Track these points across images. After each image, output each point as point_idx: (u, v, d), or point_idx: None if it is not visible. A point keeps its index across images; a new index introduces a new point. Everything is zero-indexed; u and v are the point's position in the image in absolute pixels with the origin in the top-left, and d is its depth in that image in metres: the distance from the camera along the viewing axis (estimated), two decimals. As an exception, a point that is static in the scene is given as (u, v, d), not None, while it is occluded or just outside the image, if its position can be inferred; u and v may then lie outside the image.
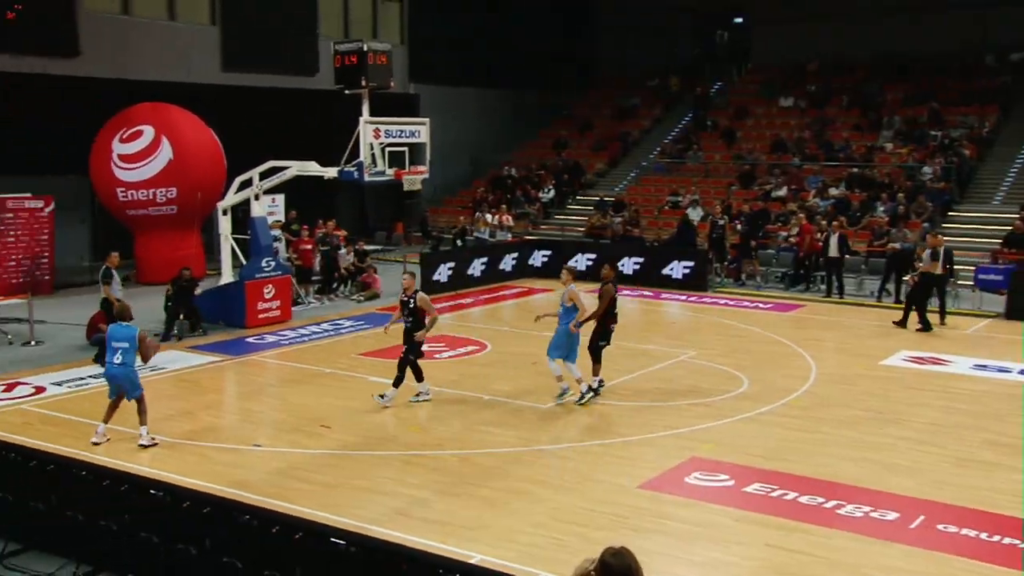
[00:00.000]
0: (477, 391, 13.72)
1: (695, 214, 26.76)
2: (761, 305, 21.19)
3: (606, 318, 13.48)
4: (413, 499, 9.71)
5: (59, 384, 13.99)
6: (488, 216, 27.30)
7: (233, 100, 26.34)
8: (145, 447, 11.11)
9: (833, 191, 26.88)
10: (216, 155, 23.65)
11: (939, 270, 18.57)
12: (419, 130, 17.97)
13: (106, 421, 11.27)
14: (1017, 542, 8.66)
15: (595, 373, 13.31)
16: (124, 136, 22.76)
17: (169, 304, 17.34)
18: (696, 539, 8.74)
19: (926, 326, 18.13)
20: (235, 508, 7.30)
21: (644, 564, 8.23)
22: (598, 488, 9.96)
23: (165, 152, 22.66)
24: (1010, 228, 23.05)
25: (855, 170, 27.78)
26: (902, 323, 18.34)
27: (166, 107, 23.61)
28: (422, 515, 9.31)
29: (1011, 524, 9.03)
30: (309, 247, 21.21)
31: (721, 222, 23.63)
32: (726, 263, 23.71)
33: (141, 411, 11.24)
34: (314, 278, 21.46)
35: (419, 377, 13.06)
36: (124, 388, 11.17)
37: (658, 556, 8.38)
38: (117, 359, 11.04)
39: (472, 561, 7.85)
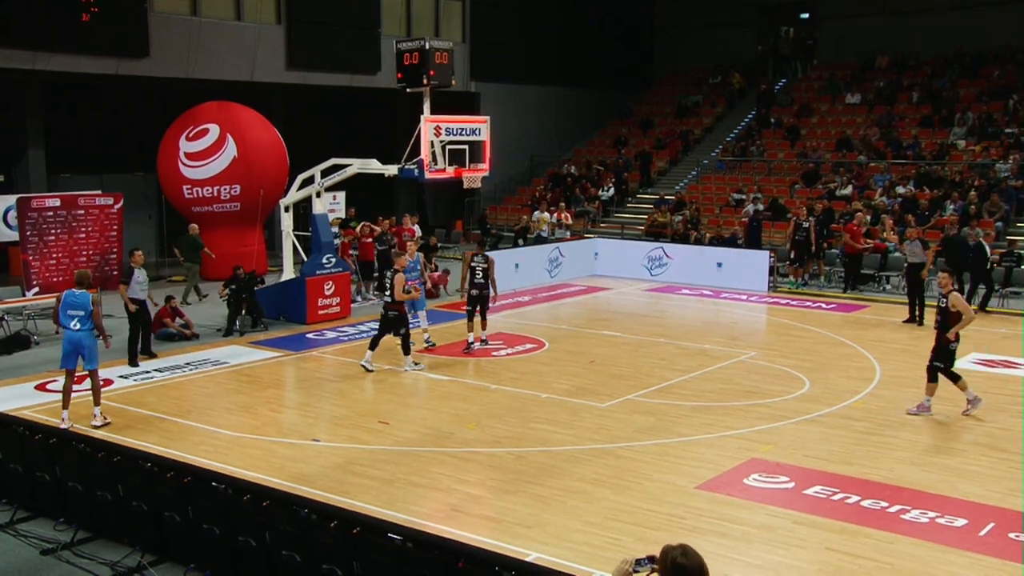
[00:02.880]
0: (535, 389, 13.71)
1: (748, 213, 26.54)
2: (824, 305, 20.83)
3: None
4: (469, 496, 9.74)
5: (125, 377, 14.33)
6: (546, 214, 27.25)
7: (297, 98, 26.72)
8: (97, 427, 11.57)
9: (900, 189, 26.30)
10: (279, 153, 24.01)
11: (919, 259, 18.70)
12: (479, 128, 18.01)
13: (65, 407, 11.63)
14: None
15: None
16: (191, 135, 23.23)
17: (230, 300, 17.63)
18: (754, 541, 8.61)
19: (914, 319, 18.56)
20: (294, 502, 7.37)
21: (701, 566, 8.17)
22: (655, 488, 9.88)
23: (230, 150, 23.07)
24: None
25: (923, 168, 27.15)
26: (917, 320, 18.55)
27: (231, 106, 24.03)
28: (478, 512, 9.33)
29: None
30: (370, 241, 21.33)
31: (806, 224, 22.87)
32: (797, 265, 23.06)
33: (95, 388, 11.76)
34: (375, 275, 21.66)
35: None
36: (84, 353, 11.55)
37: (715, 557, 8.27)
38: (75, 325, 11.50)
39: (528, 559, 7.84)
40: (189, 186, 23.17)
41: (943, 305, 12.30)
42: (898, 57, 33.07)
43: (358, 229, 21.54)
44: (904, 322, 18.63)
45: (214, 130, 23.13)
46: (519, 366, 15.11)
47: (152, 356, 15.44)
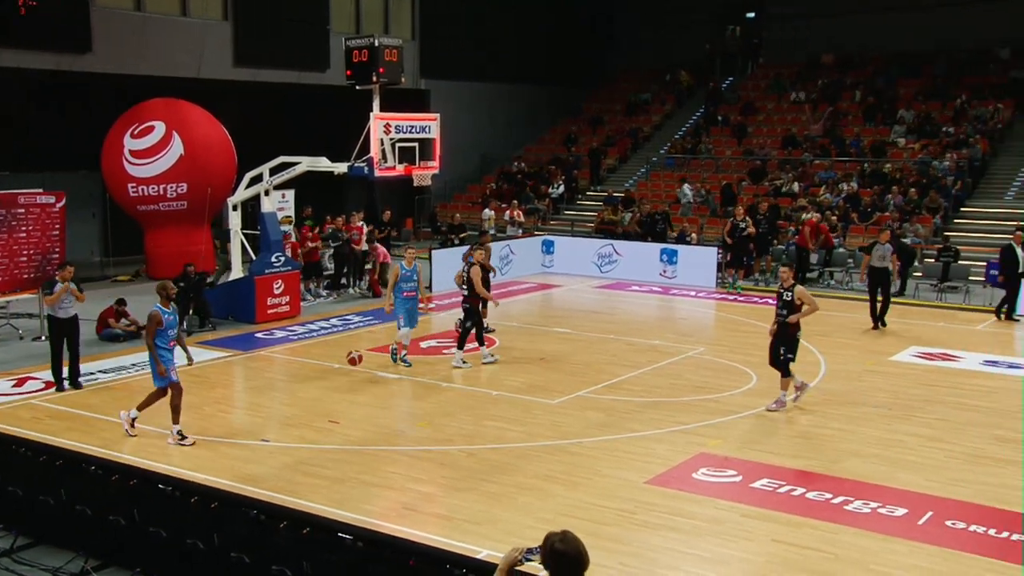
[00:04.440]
0: (486, 387, 13.74)
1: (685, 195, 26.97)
2: (771, 301, 21.09)
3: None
4: (421, 494, 9.74)
5: (67, 379, 14.05)
6: (494, 212, 27.34)
7: (244, 96, 26.42)
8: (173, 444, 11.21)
9: (843, 186, 26.80)
10: (227, 151, 23.72)
11: (886, 264, 17.78)
12: (429, 125, 17.99)
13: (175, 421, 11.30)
14: (1023, 537, 8.65)
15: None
16: (135, 132, 22.84)
17: (178, 299, 17.33)
18: (703, 534, 8.74)
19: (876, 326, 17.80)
20: (243, 503, 7.33)
21: (652, 559, 8.32)
22: (606, 483, 9.97)
23: (176, 148, 22.73)
24: (1021, 223, 22.92)
25: (867, 166, 27.70)
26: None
27: (177, 103, 23.68)
28: (430, 510, 9.34)
29: (1020, 520, 9.00)
30: (315, 244, 21.18)
31: (743, 225, 22.54)
32: (735, 266, 22.77)
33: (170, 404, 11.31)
34: (325, 273, 21.56)
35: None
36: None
37: (666, 551, 8.39)
38: None
39: (479, 556, 7.87)
40: (134, 184, 22.78)
41: (788, 298, 12.47)
42: (840, 57, 33.66)
43: (290, 231, 21.14)
44: (874, 327, 17.81)
45: (160, 127, 22.77)
46: (470, 363, 15.12)
47: (78, 387, 13.48)
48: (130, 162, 22.75)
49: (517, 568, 4.71)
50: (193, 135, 23.02)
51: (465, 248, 18.36)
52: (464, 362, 14.87)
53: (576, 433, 11.68)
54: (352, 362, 14.31)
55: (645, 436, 11.59)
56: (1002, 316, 18.82)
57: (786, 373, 12.60)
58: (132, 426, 11.37)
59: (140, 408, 11.38)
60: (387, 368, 14.77)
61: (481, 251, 15.37)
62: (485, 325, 15.73)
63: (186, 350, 11.67)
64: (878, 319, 17.87)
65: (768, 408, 12.60)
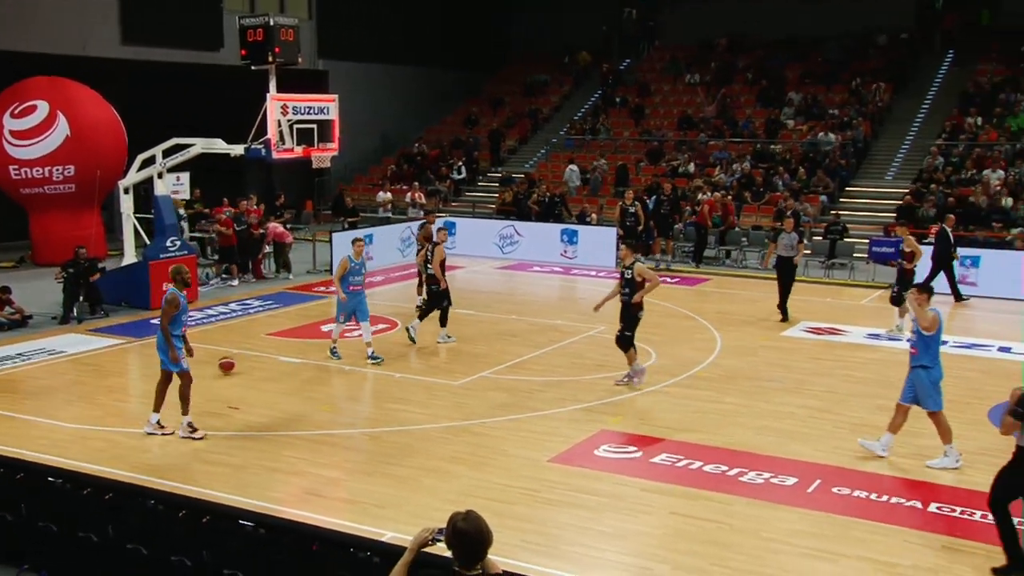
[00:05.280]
0: (389, 369, 13.70)
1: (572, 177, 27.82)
2: (668, 279, 21.59)
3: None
4: (324, 479, 9.69)
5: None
6: (389, 195, 27.19)
7: (134, 75, 25.57)
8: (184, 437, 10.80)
9: (736, 167, 27.51)
10: (116, 132, 22.94)
11: (792, 253, 17.02)
12: (328, 107, 17.78)
13: (156, 408, 10.95)
14: (903, 501, 9.10)
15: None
16: (16, 111, 21.88)
17: (67, 286, 16.78)
18: (605, 510, 8.93)
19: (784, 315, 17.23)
20: (139, 493, 7.17)
21: (555, 536, 8.47)
22: (510, 463, 10.09)
23: (61, 128, 21.90)
24: (901, 202, 23.99)
25: (759, 146, 28.48)
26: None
27: (62, 81, 22.77)
28: (333, 495, 9.30)
29: (898, 484, 9.50)
30: (227, 228, 20.70)
31: (632, 209, 22.22)
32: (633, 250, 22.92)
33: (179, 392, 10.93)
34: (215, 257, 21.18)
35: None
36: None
37: (569, 528, 8.55)
38: None
39: (384, 539, 7.89)
40: (16, 166, 21.84)
41: (628, 276, 12.72)
42: (733, 40, 34.46)
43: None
44: (783, 320, 17.13)
45: (43, 107, 21.86)
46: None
47: None
48: (10, 143, 21.82)
49: (426, 549, 4.76)
50: (79, 115, 22.19)
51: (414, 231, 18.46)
52: (449, 337, 15.24)
53: (480, 414, 11.77)
54: (224, 367, 13.41)
55: (547, 415, 11.75)
56: (963, 299, 19.07)
57: (627, 348, 12.81)
58: (160, 427, 10.89)
59: (156, 408, 10.87)
60: (287, 352, 14.59)
61: (443, 231, 15.73)
62: (420, 303, 16.08)
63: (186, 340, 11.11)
64: (782, 310, 17.24)
65: (616, 382, 12.85)
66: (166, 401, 10.85)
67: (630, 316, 12.77)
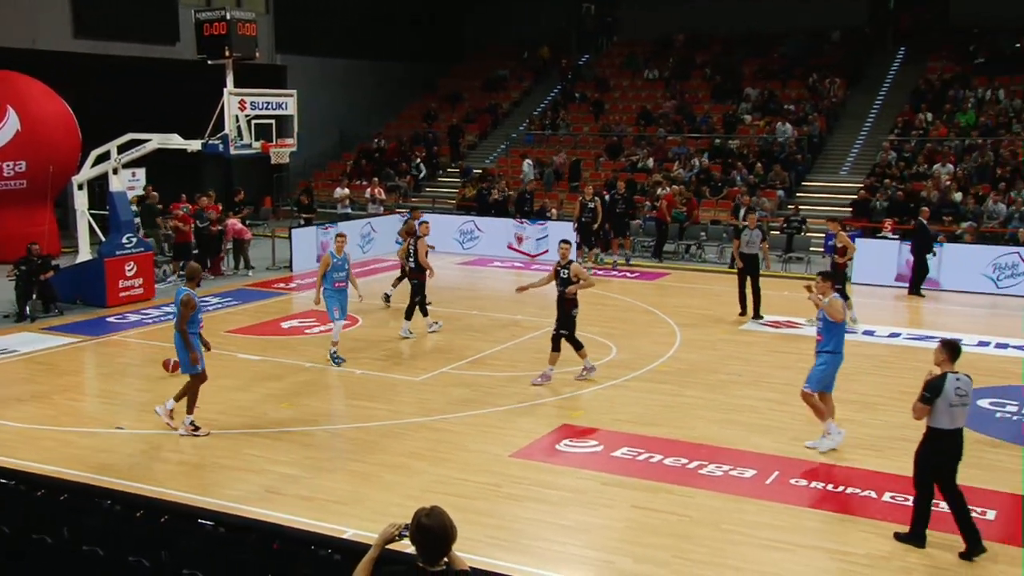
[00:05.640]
0: (350, 366, 13.64)
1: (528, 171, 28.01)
2: (628, 274, 21.73)
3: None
4: (284, 476, 9.63)
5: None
6: (346, 190, 27.04)
7: (88, 69, 25.14)
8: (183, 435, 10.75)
9: (695, 162, 27.72)
10: (69, 127, 22.56)
11: (756, 250, 16.78)
12: (286, 102, 17.63)
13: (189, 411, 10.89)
14: (859, 491, 9.25)
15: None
16: (-35, 107, 21.46)
17: (19, 283, 16.48)
18: (567, 504, 8.98)
19: (745, 312, 16.97)
20: (95, 494, 7.06)
21: (518, 531, 8.50)
22: (472, 458, 10.09)
23: (12, 123, 21.51)
24: (856, 197, 24.34)
25: (717, 142, 28.71)
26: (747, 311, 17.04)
27: (12, 75, 22.35)
28: (294, 492, 9.24)
29: (853, 475, 9.65)
30: (185, 224, 20.44)
31: (592, 205, 21.88)
32: (592, 249, 22.50)
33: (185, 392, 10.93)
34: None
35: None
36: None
37: (531, 522, 8.58)
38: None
39: (345, 536, 7.85)
40: (-34, 162, 21.42)
41: (564, 275, 12.63)
42: (691, 36, 34.69)
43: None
44: (741, 314, 17.02)
45: (-8, 102, 21.46)
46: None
47: None
48: (-41, 139, 21.38)
49: (391, 545, 4.74)
50: (30, 110, 21.81)
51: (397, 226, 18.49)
52: (411, 332, 15.32)
53: (441, 409, 11.77)
54: (167, 366, 13.05)
55: (509, 410, 11.78)
56: (921, 293, 19.25)
57: (555, 348, 12.75)
58: (196, 429, 10.75)
59: (189, 411, 10.75)
60: (246, 350, 14.46)
61: (426, 224, 15.76)
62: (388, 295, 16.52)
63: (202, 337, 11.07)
64: (755, 313, 16.82)
65: (533, 382, 12.76)
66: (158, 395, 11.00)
67: (565, 315, 12.71)
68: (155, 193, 21.72)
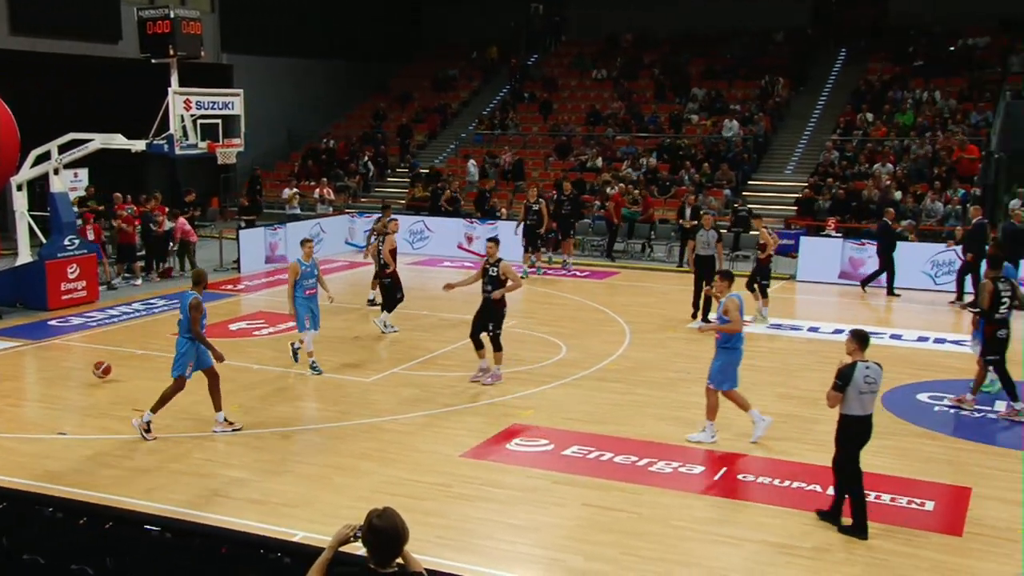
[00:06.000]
0: (299, 368, 13.53)
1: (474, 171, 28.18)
2: (578, 273, 21.85)
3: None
4: (233, 480, 9.54)
5: None
6: (295, 191, 26.78)
7: (26, 67, 24.61)
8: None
9: (643, 161, 27.94)
10: (7, 125, 21.97)
11: (711, 251, 16.51)
12: (233, 101, 17.46)
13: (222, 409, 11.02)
14: (804, 486, 9.42)
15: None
16: None
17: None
18: (517, 503, 9.01)
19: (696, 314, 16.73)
20: (37, 501, 6.93)
21: (468, 530, 8.51)
22: (422, 459, 10.09)
23: (-54, 122, 20.91)
24: (800, 195, 24.73)
25: (667, 141, 28.97)
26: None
27: (-54, 73, 21.77)
28: (243, 495, 9.16)
29: (798, 470, 9.81)
30: (128, 226, 20.08)
31: (536, 207, 21.39)
32: (530, 250, 21.78)
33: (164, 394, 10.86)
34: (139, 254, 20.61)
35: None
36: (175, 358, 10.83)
37: (481, 522, 8.61)
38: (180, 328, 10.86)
39: (295, 539, 7.82)
40: (-102, 163, 20.80)
41: (493, 274, 12.63)
42: (638, 36, 34.97)
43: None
44: (694, 316, 16.79)
45: (-75, 100, 20.87)
46: (282, 345, 14.84)
47: None
48: None
49: (346, 547, 4.73)
50: (-33, 109, 21.23)
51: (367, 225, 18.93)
52: (391, 326, 15.68)
53: (391, 410, 11.74)
54: (99, 369, 12.82)
55: (459, 410, 11.79)
56: (896, 293, 19.30)
57: (498, 347, 12.76)
58: (229, 423, 10.92)
59: (217, 408, 10.90)
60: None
61: (395, 222, 16.13)
62: (372, 297, 16.55)
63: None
64: (703, 316, 16.44)
65: (476, 379, 12.77)
66: (160, 401, 10.77)
67: (496, 314, 12.71)
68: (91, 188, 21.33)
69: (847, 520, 8.41)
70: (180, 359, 10.65)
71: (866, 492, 8.41)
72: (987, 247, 15.80)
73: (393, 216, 16.90)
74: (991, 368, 11.88)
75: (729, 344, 10.61)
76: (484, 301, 12.77)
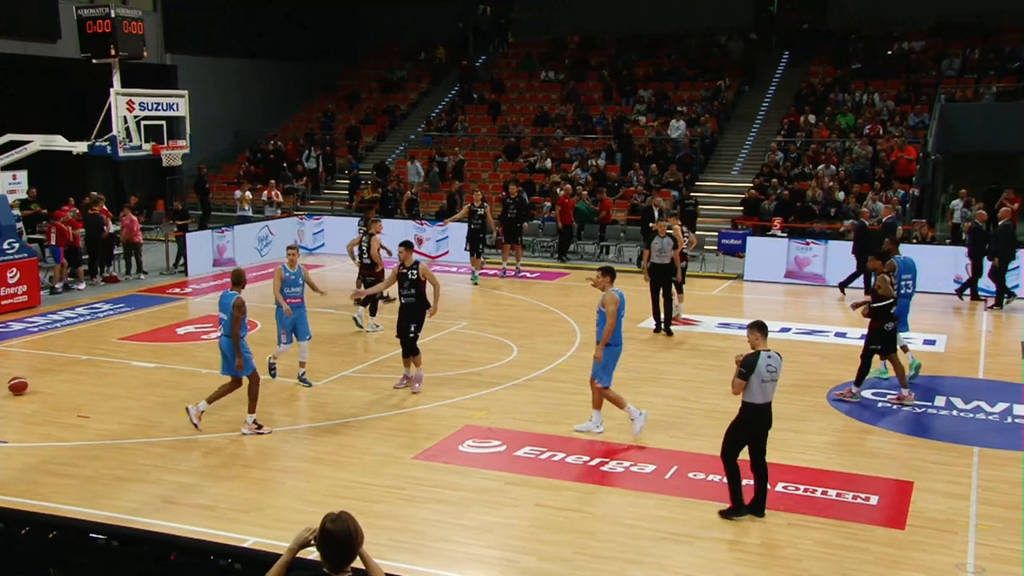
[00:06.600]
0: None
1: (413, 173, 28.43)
2: (528, 274, 21.89)
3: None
4: (181, 485, 9.40)
5: None
6: (248, 193, 26.47)
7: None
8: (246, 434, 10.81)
9: (592, 162, 28.11)
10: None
11: (667, 259, 15.90)
12: (177, 103, 17.24)
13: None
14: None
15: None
16: None
17: None
18: (471, 504, 9.01)
19: (660, 326, 16.14)
20: (-22, 511, 6.77)
21: (421, 533, 8.49)
22: (374, 461, 10.04)
23: None
24: (746, 196, 25.08)
25: (616, 143, 29.16)
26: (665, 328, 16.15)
27: None
28: (192, 501, 9.03)
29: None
30: (74, 228, 19.67)
31: (481, 212, 20.96)
32: (474, 256, 21.32)
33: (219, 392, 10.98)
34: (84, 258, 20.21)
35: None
36: (222, 360, 10.92)
37: (434, 524, 8.59)
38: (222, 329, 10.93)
39: (246, 544, 7.73)
40: None
41: (412, 277, 12.48)
42: (585, 37, 35.18)
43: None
44: (656, 329, 16.10)
45: None
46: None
47: None
48: None
49: (301, 552, 4.69)
50: (-100, 110, 20.69)
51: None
52: (377, 326, 15.90)
53: (342, 413, 11.66)
54: (14, 388, 12.27)
55: (411, 412, 11.75)
56: (845, 291, 19.24)
57: (415, 351, 12.59)
58: (259, 426, 10.93)
59: (252, 409, 10.91)
60: (140, 357, 14.05)
61: (379, 223, 16.20)
62: (386, 295, 15.91)
63: None
64: (664, 325, 16.01)
65: (400, 386, 12.66)
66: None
67: (418, 315, 12.57)
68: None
69: (725, 506, 8.78)
70: (233, 358, 10.69)
71: (812, 488, 8.54)
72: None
73: (377, 217, 16.86)
74: (905, 352, 12.84)
75: (609, 341, 10.66)
76: (404, 306, 12.55)
